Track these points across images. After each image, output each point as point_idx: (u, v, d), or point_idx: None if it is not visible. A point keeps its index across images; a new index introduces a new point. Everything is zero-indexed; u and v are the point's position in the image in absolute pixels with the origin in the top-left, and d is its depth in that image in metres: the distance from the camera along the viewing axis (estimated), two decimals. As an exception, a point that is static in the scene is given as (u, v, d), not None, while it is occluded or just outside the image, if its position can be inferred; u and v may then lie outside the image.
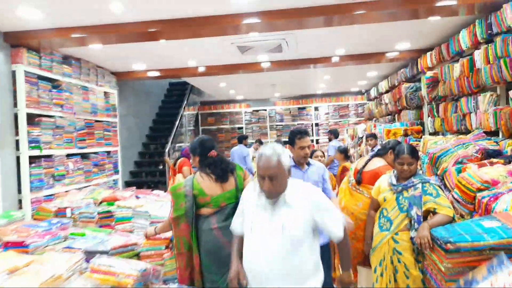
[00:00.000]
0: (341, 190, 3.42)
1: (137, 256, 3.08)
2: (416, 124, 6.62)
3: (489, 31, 3.94)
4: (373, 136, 5.85)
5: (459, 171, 3.35)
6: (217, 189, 2.55)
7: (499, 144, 3.76)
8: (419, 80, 6.84)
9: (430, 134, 6.08)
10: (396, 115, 8.28)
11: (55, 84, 5.01)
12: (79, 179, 5.47)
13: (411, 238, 2.62)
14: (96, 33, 4.44)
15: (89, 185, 5.71)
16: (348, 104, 12.11)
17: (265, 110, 12.41)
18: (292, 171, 1.97)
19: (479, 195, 2.65)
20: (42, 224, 3.80)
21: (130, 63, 6.45)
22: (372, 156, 3.34)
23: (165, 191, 6.26)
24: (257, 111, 12.46)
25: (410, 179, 2.72)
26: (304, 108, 12.26)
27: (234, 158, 7.86)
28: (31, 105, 4.51)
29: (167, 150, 7.96)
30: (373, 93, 10.16)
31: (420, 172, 3.09)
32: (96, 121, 6.03)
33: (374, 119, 9.90)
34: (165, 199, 4.87)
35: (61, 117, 5.06)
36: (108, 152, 6.43)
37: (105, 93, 6.42)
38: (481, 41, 4.17)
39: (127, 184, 7.77)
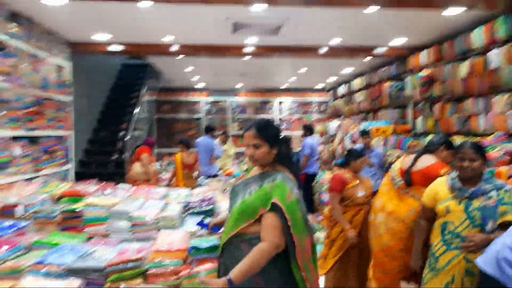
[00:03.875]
0: (383, 192, 2.96)
1: (143, 274, 2.32)
2: (400, 123, 6.49)
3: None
4: (367, 133, 5.51)
5: (492, 174, 3.13)
6: None
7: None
8: (403, 79, 6.72)
9: (419, 134, 5.96)
10: (370, 114, 8.17)
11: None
12: (26, 168, 4.38)
13: None
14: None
15: (38, 176, 4.62)
16: (311, 101, 11.89)
17: (226, 101, 11.70)
18: None
19: None
20: (-11, 228, 2.82)
21: (92, 31, 5.37)
22: (421, 153, 2.91)
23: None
24: (217, 102, 11.70)
25: (481, 184, 2.28)
26: (267, 102, 11.79)
27: (200, 150, 7.15)
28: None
29: (127, 138, 6.93)
30: (341, 90, 10.01)
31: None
32: (47, 99, 4.92)
33: (342, 116, 9.74)
34: (140, 195, 4.08)
35: (5, 89, 3.96)
36: (60, 137, 5.33)
37: (58, 66, 5.29)
38: (503, 39, 3.99)
39: (77, 176, 6.62)
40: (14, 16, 4.17)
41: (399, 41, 5.79)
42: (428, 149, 2.88)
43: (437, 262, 2.35)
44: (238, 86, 11.26)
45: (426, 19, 4.69)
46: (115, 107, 8.95)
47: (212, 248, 2.43)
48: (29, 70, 4.42)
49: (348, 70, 8.53)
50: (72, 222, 3.24)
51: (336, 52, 6.21)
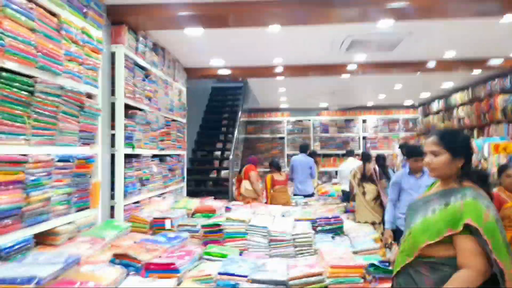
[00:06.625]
0: None
1: (324, 290, 2.34)
2: (520, 139, 5.98)
3: None
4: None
5: None
6: None
7: None
8: (520, 92, 6.25)
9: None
10: (475, 130, 7.64)
11: (146, 74, 4.31)
12: (158, 184, 4.72)
13: None
14: (209, 12, 3.78)
15: (165, 192, 4.96)
16: (398, 118, 11.49)
17: (309, 120, 11.73)
18: None
19: None
20: (159, 238, 3.06)
21: (209, 57, 5.77)
22: None
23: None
24: (300, 121, 11.78)
25: None
26: (351, 120, 11.62)
27: (296, 169, 7.18)
28: (128, 95, 3.79)
29: (231, 157, 7.22)
30: (436, 106, 9.54)
31: None
32: (173, 120, 5.32)
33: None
34: (261, 212, 4.17)
35: (149, 111, 4.35)
36: (178, 156, 5.70)
37: (179, 90, 5.73)
38: None
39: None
40: (154, 46, 4.62)
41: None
42: None
43: None
44: (322, 105, 11.26)
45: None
46: (209, 127, 9.42)
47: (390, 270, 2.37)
48: (163, 95, 4.83)
49: (447, 85, 8.13)
50: (212, 236, 3.41)
51: (445, 65, 5.96)
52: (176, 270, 2.32)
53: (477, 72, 6.65)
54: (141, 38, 4.09)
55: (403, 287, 1.77)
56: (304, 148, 7.41)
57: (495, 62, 5.86)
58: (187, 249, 2.85)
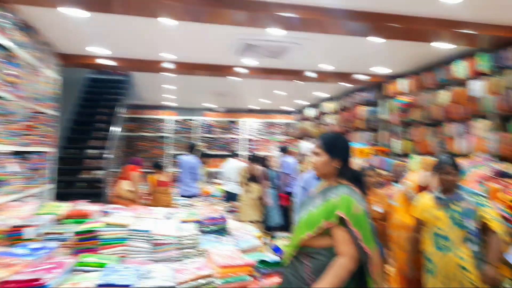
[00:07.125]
0: (398, 209, 3.29)
1: (214, 291, 2.29)
2: (373, 145, 7.00)
3: (497, 64, 4.38)
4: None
5: (486, 191, 3.54)
6: None
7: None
8: (378, 104, 7.30)
9: (398, 155, 6.46)
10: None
11: (8, 55, 3.62)
12: (18, 187, 4.02)
13: (474, 253, 2.60)
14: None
15: (26, 196, 4.25)
16: (276, 122, 12.27)
17: (192, 120, 11.61)
18: None
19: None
20: (19, 250, 2.58)
21: (90, 44, 5.19)
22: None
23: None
24: (185, 120, 11.57)
25: (457, 191, 2.74)
26: (234, 121, 11.93)
27: (183, 168, 7.05)
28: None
29: (109, 157, 6.62)
30: (310, 113, 10.49)
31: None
32: (40, 112, 4.60)
33: (307, 137, 10.16)
34: (144, 215, 3.93)
35: (8, 100, 3.65)
36: (46, 153, 4.96)
37: (51, 78, 5.00)
38: (487, 72, 4.57)
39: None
40: (23, 25, 3.93)
41: (381, 70, 6.33)
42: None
43: (433, 264, 2.71)
44: (207, 105, 11.29)
45: (408, 50, 5.15)
46: (83, 123, 8.47)
47: (279, 263, 2.46)
48: (30, 82, 4.14)
49: (321, 94, 9.02)
50: (86, 243, 3.05)
51: (321, 76, 6.60)
52: (42, 287, 1.98)
53: (346, 84, 7.55)
54: (5, 13, 3.42)
55: (289, 278, 1.92)
56: (192, 149, 7.29)
57: (362, 76, 6.74)
58: (57, 260, 2.47)
